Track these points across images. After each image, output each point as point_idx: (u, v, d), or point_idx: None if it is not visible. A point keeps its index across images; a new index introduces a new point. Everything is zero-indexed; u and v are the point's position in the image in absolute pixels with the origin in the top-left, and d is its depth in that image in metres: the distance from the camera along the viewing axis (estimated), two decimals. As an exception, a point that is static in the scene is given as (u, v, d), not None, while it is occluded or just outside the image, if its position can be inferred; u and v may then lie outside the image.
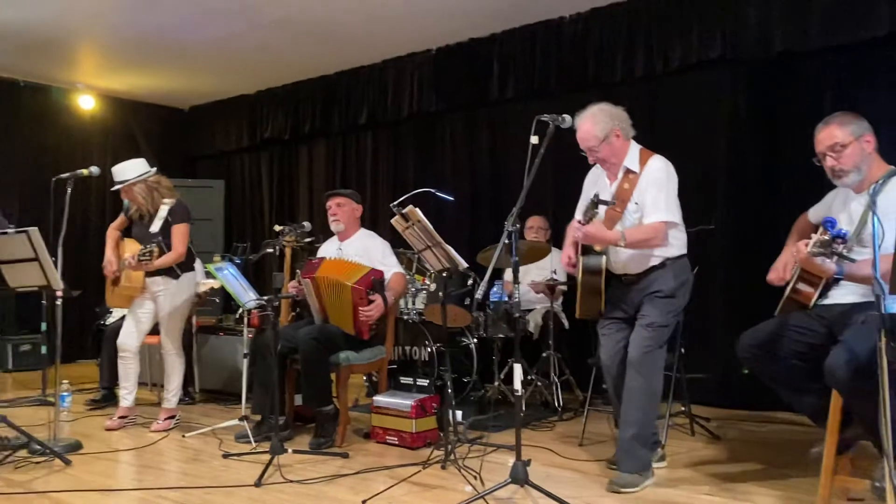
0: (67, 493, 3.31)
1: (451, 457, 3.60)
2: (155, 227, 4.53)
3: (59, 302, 4.10)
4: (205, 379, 5.63)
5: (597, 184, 3.57)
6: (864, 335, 2.59)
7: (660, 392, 3.43)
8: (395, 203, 3.75)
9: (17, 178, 7.43)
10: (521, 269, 5.16)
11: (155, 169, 4.65)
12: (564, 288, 5.22)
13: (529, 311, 5.34)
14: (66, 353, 5.75)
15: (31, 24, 6.02)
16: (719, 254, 5.15)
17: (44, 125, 7.72)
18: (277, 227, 4.70)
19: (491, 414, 4.45)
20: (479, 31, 6.29)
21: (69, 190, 4.15)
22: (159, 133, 8.58)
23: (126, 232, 4.76)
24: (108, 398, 5.25)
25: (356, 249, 4.47)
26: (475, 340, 5.02)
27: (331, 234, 4.68)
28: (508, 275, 5.00)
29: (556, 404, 4.83)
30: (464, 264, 3.79)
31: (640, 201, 3.35)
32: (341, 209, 4.55)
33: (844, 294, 2.95)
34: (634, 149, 3.45)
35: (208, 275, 5.02)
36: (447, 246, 3.73)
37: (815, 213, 3.28)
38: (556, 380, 4.90)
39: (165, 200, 4.58)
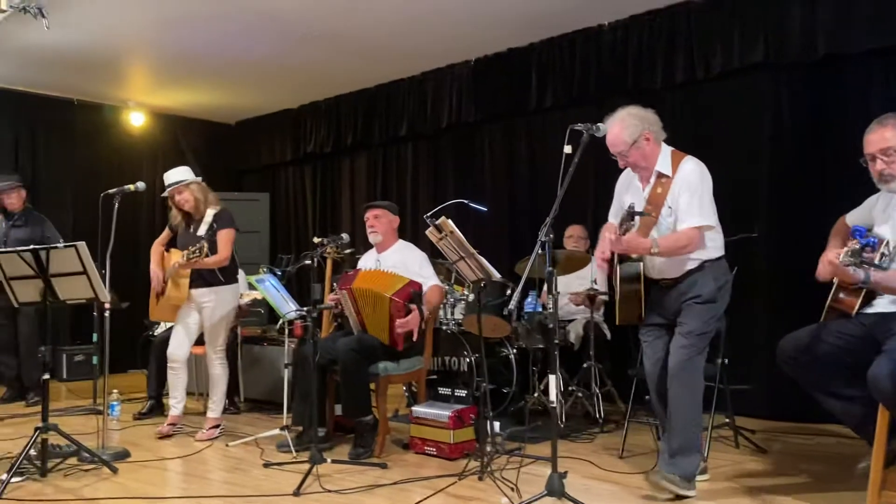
0: (114, 501, 3.40)
1: (488, 468, 3.59)
2: (201, 231, 4.65)
3: (107, 314, 4.22)
4: (250, 388, 5.72)
5: (629, 188, 3.52)
6: (908, 345, 2.53)
7: (701, 399, 3.36)
8: (429, 214, 3.77)
9: (71, 193, 7.69)
10: (562, 279, 5.14)
11: (201, 178, 4.81)
12: (605, 298, 5.16)
13: (570, 321, 5.30)
14: (117, 364, 5.93)
15: (83, 45, 6.25)
16: (762, 262, 5.04)
17: (96, 142, 7.97)
18: (316, 239, 4.76)
19: (529, 425, 4.42)
20: (517, 41, 6.30)
21: (116, 205, 4.27)
22: (207, 148, 8.77)
23: (171, 245, 4.87)
24: (155, 408, 5.35)
25: (394, 261, 4.51)
26: (514, 351, 5.00)
27: (371, 246, 4.72)
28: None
29: (598, 416, 4.77)
30: (496, 275, 3.78)
31: (673, 205, 3.30)
32: (378, 221, 4.59)
33: (889, 303, 2.86)
34: (666, 152, 3.39)
35: (250, 286, 5.11)
36: (479, 257, 3.73)
37: (852, 218, 3.19)
38: (598, 391, 4.84)
39: (212, 207, 4.71)
